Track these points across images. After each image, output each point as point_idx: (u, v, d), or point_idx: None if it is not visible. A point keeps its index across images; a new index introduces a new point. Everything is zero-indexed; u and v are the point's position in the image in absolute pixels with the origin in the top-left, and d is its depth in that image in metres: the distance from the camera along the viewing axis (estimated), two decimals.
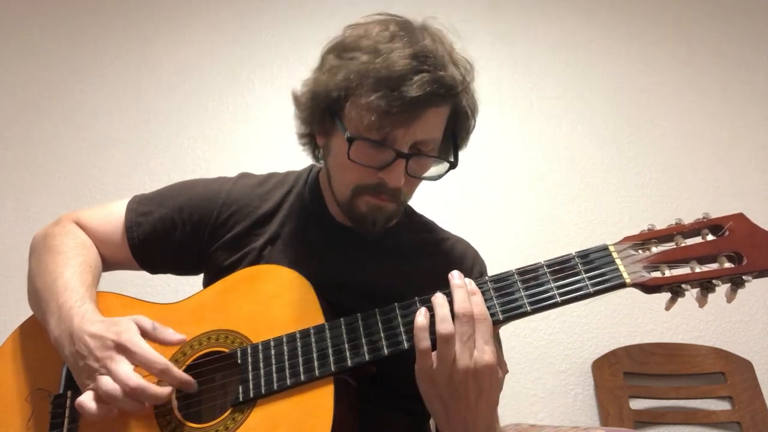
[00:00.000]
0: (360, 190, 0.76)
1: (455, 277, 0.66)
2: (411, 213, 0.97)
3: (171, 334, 0.71)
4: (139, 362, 0.66)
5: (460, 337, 0.61)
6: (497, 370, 0.63)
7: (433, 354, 0.62)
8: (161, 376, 0.66)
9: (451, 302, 0.64)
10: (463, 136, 0.81)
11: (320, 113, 0.77)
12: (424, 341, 0.63)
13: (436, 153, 0.78)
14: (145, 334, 0.69)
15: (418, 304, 0.68)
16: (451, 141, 0.81)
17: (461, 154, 0.82)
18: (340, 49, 0.75)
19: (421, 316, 0.64)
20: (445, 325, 0.62)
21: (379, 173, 0.74)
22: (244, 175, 0.94)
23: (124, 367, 0.65)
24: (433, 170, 0.80)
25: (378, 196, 0.76)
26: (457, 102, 0.75)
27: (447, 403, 0.63)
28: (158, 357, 0.66)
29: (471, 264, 0.92)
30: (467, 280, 0.66)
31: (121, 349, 0.66)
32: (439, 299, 0.65)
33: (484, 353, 0.61)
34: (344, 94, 0.72)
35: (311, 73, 0.80)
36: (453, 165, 0.79)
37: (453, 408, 0.63)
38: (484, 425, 0.64)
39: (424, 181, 0.80)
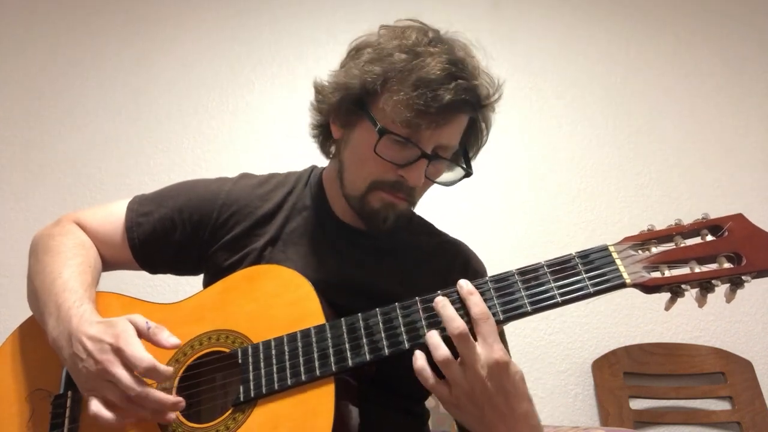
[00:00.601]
0: (376, 186, 0.77)
1: (438, 302, 0.65)
2: (411, 214, 0.97)
3: (166, 338, 0.68)
4: (127, 361, 0.64)
5: (465, 354, 0.61)
6: (511, 363, 0.61)
7: (444, 381, 0.62)
8: (146, 375, 0.64)
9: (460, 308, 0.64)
10: (475, 148, 0.85)
11: (347, 104, 0.78)
12: (428, 380, 0.62)
13: (454, 159, 0.81)
14: (140, 334, 0.68)
15: (418, 305, 0.68)
16: (462, 151, 0.83)
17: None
18: (375, 48, 0.77)
19: (419, 360, 0.63)
20: (440, 352, 0.61)
21: (400, 171, 0.75)
22: (244, 176, 0.94)
23: (125, 373, 0.64)
24: (446, 176, 0.82)
25: (395, 193, 0.77)
26: (480, 114, 0.79)
27: (484, 420, 0.62)
28: (145, 356, 0.64)
29: (469, 265, 0.92)
30: (463, 282, 0.66)
31: (118, 351, 0.65)
32: (433, 336, 0.63)
33: (493, 353, 0.60)
34: (380, 88, 0.74)
35: (339, 66, 0.82)
36: (468, 174, 0.81)
37: (491, 422, 0.61)
38: (528, 426, 0.63)
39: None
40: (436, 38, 0.77)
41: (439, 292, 0.66)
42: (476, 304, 0.63)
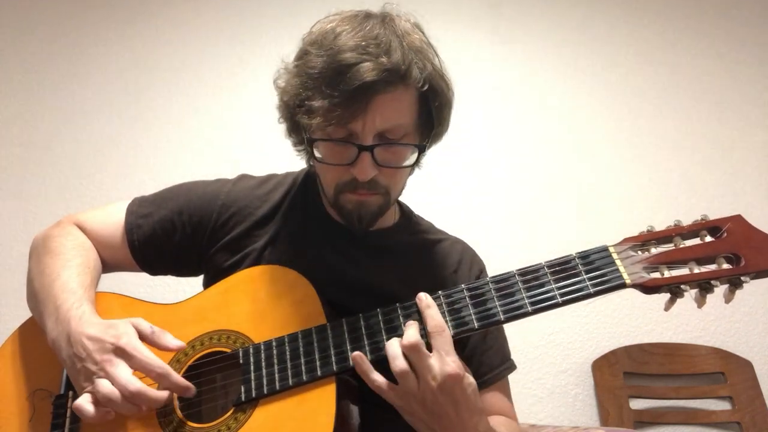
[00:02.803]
0: (340, 189, 0.77)
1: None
2: (409, 214, 0.97)
3: (169, 340, 0.70)
4: (137, 366, 0.65)
5: (416, 365, 0.63)
6: (463, 375, 0.63)
7: (398, 389, 0.64)
8: (160, 380, 0.66)
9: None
10: (439, 115, 0.78)
11: (290, 124, 0.79)
12: (382, 388, 0.65)
13: (412, 140, 0.76)
14: (143, 337, 0.69)
15: (419, 305, 0.68)
16: (430, 118, 0.78)
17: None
18: (300, 52, 0.77)
19: (379, 379, 0.65)
20: (397, 362, 0.63)
21: (351, 170, 0.74)
22: (243, 177, 0.94)
23: (123, 371, 0.65)
24: (412, 158, 0.79)
25: (355, 191, 0.76)
26: (411, 83, 0.72)
27: (432, 426, 0.64)
28: (157, 361, 0.66)
29: (469, 264, 0.92)
30: (422, 295, 0.68)
31: (120, 352, 0.66)
32: (389, 343, 0.65)
33: (446, 365, 0.62)
34: (299, 101, 0.73)
35: (292, 63, 0.79)
36: (420, 148, 0.78)
37: (440, 429, 0.64)
38: None
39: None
40: (350, 23, 0.73)
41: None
42: (432, 317, 0.65)
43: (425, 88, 0.74)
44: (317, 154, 0.76)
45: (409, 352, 0.63)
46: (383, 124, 0.72)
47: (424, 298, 0.67)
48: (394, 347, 0.64)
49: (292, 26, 1.93)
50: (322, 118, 0.69)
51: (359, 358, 0.66)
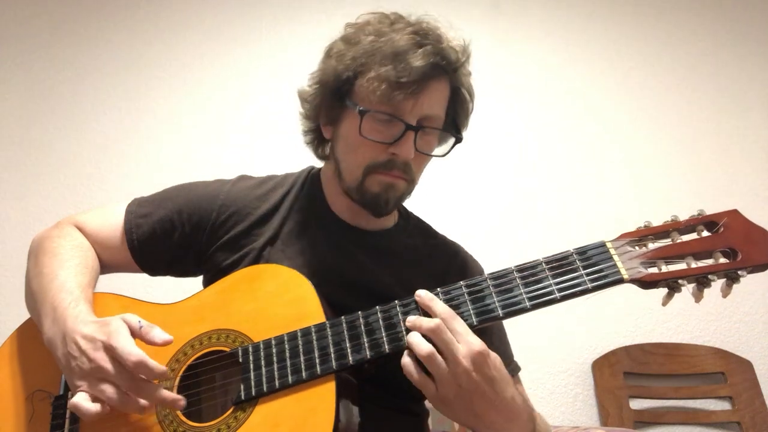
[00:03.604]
0: (371, 169, 0.79)
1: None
2: (408, 216, 0.98)
3: (157, 335, 0.67)
4: (117, 357, 0.63)
5: (443, 346, 0.62)
6: (489, 350, 0.63)
7: (429, 378, 0.63)
8: (136, 369, 0.63)
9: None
10: (463, 118, 0.85)
11: (329, 99, 0.81)
12: (414, 374, 0.63)
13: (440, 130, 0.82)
14: (133, 332, 0.67)
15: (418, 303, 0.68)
16: (453, 121, 0.85)
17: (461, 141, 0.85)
18: (344, 40, 0.80)
19: (405, 357, 0.64)
20: (422, 347, 0.62)
21: (390, 148, 0.77)
22: (242, 177, 0.94)
23: (118, 368, 0.64)
24: (439, 149, 0.84)
25: (390, 172, 0.78)
26: (456, 79, 0.80)
27: (475, 410, 0.63)
28: (133, 350, 0.63)
29: (466, 267, 0.93)
30: (421, 291, 0.68)
31: (110, 349, 0.65)
32: (409, 323, 0.65)
33: (470, 344, 0.62)
34: (353, 74, 0.77)
35: (316, 69, 0.84)
36: (458, 139, 0.83)
37: (482, 411, 0.62)
38: (516, 407, 0.64)
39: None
40: (398, 18, 0.80)
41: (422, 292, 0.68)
42: (438, 305, 0.65)
43: (460, 89, 0.81)
44: (359, 131, 0.77)
45: (432, 335, 0.62)
46: (429, 109, 0.77)
47: (424, 294, 0.67)
48: (415, 335, 0.63)
49: (292, 27, 1.95)
50: (386, 87, 0.73)
51: (412, 336, 0.64)
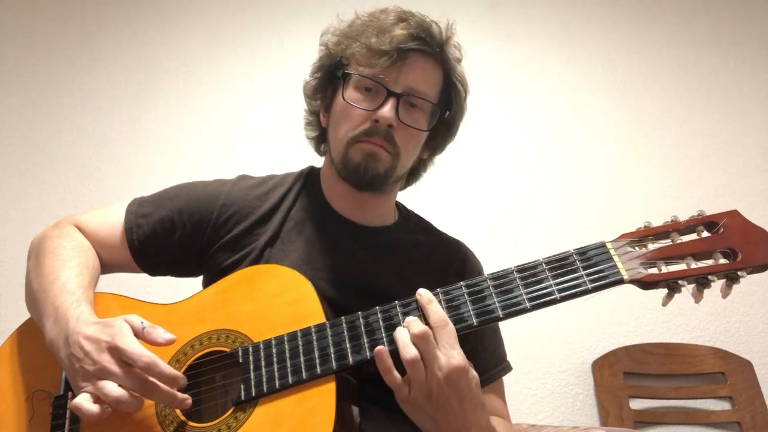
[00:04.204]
0: (354, 140, 0.81)
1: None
2: (408, 213, 0.98)
3: (160, 335, 0.67)
4: (126, 359, 0.64)
5: (424, 355, 0.63)
6: (468, 369, 0.64)
7: (405, 379, 0.64)
8: (147, 370, 0.64)
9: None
10: (458, 110, 0.89)
11: (324, 82, 0.87)
12: (389, 374, 0.65)
13: (429, 111, 0.85)
14: (135, 332, 0.67)
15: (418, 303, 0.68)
16: (446, 108, 0.88)
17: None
18: (337, 27, 0.88)
19: (387, 360, 0.65)
20: (408, 350, 0.63)
21: (372, 116, 0.79)
22: (243, 177, 0.95)
23: (125, 369, 0.64)
24: (424, 123, 0.86)
25: (370, 138, 0.80)
26: (445, 61, 0.84)
27: (436, 418, 0.64)
28: (143, 352, 0.64)
29: (467, 263, 0.93)
30: (422, 291, 0.68)
31: (115, 350, 0.65)
32: (405, 323, 0.66)
33: (452, 358, 0.63)
34: (345, 51, 0.83)
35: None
36: (442, 111, 0.86)
37: (443, 422, 0.64)
38: (478, 427, 0.65)
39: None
40: (388, 8, 0.85)
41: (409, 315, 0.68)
42: (435, 311, 0.66)
43: (452, 79, 0.85)
44: (342, 95, 0.82)
45: (418, 341, 0.63)
46: (413, 82, 0.81)
47: (424, 294, 0.67)
48: (404, 335, 0.64)
49: (292, 27, 1.95)
50: (367, 52, 0.79)
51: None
